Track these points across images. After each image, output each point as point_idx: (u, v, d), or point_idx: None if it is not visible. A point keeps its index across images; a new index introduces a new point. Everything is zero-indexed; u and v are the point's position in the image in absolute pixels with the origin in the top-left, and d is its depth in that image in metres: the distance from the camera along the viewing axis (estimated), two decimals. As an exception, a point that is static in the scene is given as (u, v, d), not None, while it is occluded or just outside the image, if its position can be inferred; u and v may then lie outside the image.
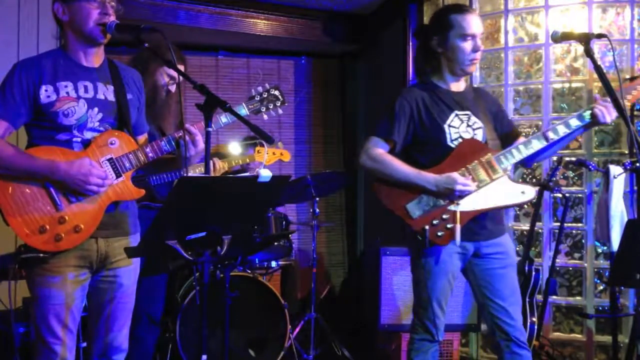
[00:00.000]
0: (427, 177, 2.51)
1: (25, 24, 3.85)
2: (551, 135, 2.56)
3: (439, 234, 2.52)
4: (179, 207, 1.92)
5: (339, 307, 5.35)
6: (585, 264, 3.96)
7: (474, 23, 2.59)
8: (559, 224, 3.87)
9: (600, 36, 2.46)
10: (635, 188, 3.52)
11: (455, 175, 2.49)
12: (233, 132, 5.22)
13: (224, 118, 2.38)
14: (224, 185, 2.07)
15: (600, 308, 3.93)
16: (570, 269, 4.05)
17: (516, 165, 3.38)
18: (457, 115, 2.61)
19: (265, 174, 1.95)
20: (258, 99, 2.50)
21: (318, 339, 4.21)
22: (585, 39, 2.41)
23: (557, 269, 3.98)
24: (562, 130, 2.56)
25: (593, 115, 2.52)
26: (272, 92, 2.51)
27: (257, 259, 4.16)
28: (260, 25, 5.17)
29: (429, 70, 2.70)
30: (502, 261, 2.61)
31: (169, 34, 2.09)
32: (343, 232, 5.99)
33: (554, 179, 3.72)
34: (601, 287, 3.95)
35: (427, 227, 2.51)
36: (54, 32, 3.90)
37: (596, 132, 4.00)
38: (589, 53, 2.39)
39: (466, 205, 2.51)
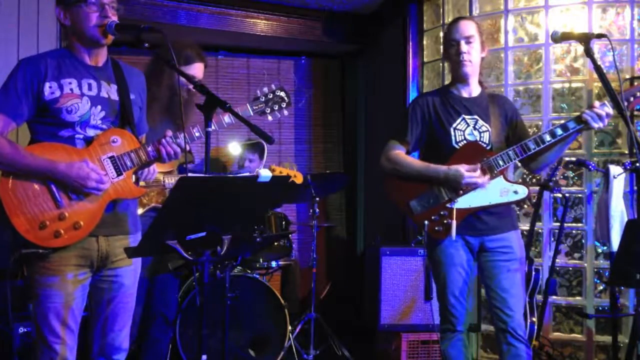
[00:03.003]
0: (437, 169, 2.72)
1: (25, 24, 3.85)
2: (547, 137, 2.66)
3: (437, 228, 2.73)
4: (179, 207, 1.92)
5: (339, 307, 5.35)
6: (585, 264, 3.96)
7: (457, 29, 2.77)
8: (559, 224, 3.86)
9: (600, 36, 2.48)
10: (635, 188, 3.51)
11: (462, 167, 2.66)
12: (233, 133, 5.23)
13: (227, 118, 2.38)
14: (224, 185, 2.07)
15: (600, 308, 3.93)
16: (570, 269, 4.05)
17: (516, 166, 3.41)
18: (464, 119, 2.78)
19: (265, 174, 1.94)
20: (263, 100, 2.47)
21: (318, 339, 4.21)
22: (585, 39, 2.42)
23: (557, 269, 3.98)
24: (559, 133, 2.65)
25: (583, 121, 2.59)
26: (278, 93, 2.49)
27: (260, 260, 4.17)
28: (260, 25, 5.18)
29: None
30: (506, 255, 2.75)
31: (169, 34, 2.09)
32: (343, 232, 5.99)
33: (554, 179, 3.71)
34: (601, 287, 3.95)
35: (426, 222, 2.73)
36: (54, 32, 3.90)
37: (596, 132, 3.99)
38: (589, 53, 2.40)
39: (462, 203, 2.71)
